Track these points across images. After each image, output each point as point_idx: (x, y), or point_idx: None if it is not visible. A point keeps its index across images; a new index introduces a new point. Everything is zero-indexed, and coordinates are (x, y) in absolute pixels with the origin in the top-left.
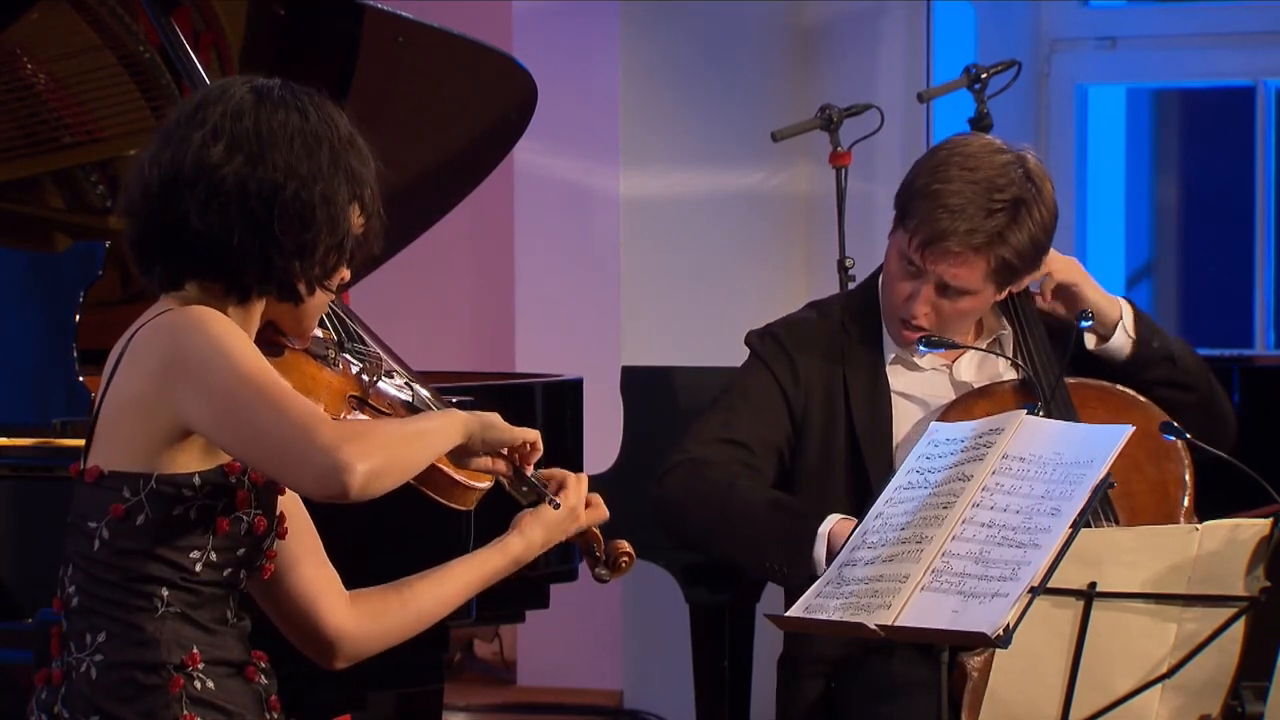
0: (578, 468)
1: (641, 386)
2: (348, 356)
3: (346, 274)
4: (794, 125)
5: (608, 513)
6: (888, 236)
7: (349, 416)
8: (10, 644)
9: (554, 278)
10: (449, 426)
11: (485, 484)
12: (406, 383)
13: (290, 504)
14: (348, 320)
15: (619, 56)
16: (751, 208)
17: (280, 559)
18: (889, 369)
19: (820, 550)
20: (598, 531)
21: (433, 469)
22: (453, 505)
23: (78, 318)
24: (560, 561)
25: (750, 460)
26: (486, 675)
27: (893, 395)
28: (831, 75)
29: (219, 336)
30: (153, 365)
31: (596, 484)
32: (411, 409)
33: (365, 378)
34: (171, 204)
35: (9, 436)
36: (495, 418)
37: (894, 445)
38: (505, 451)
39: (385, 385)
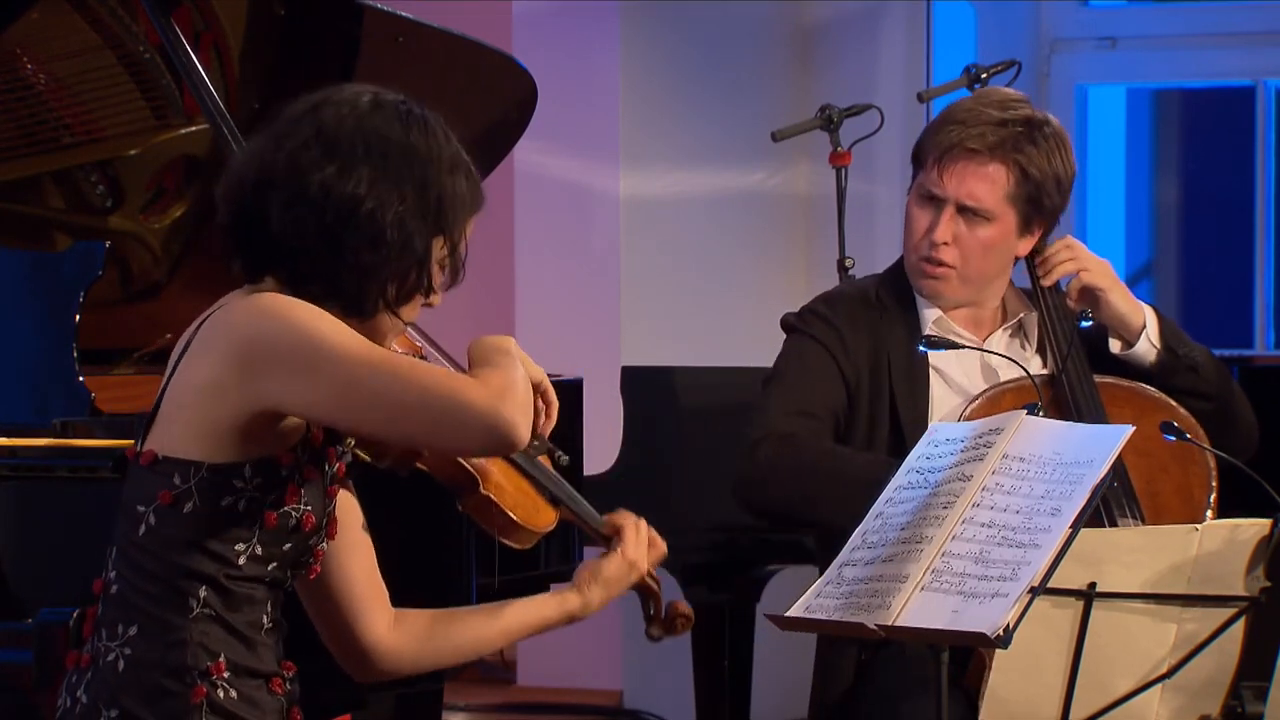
0: (578, 468)
1: (641, 386)
2: None
3: (436, 300)
4: (794, 125)
5: (666, 548)
6: (907, 193)
7: None
8: (10, 644)
9: (554, 278)
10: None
11: (545, 527)
12: None
13: (348, 512)
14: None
15: (619, 56)
16: (751, 208)
17: (332, 562)
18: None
19: None
20: (656, 587)
21: (493, 508)
22: (509, 543)
23: (78, 318)
24: (561, 561)
25: (823, 431)
26: (486, 675)
27: (930, 370)
28: (831, 75)
29: (304, 319)
30: (227, 350)
31: (596, 484)
32: None
33: None
34: (261, 196)
35: (9, 436)
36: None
37: (929, 419)
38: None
39: None
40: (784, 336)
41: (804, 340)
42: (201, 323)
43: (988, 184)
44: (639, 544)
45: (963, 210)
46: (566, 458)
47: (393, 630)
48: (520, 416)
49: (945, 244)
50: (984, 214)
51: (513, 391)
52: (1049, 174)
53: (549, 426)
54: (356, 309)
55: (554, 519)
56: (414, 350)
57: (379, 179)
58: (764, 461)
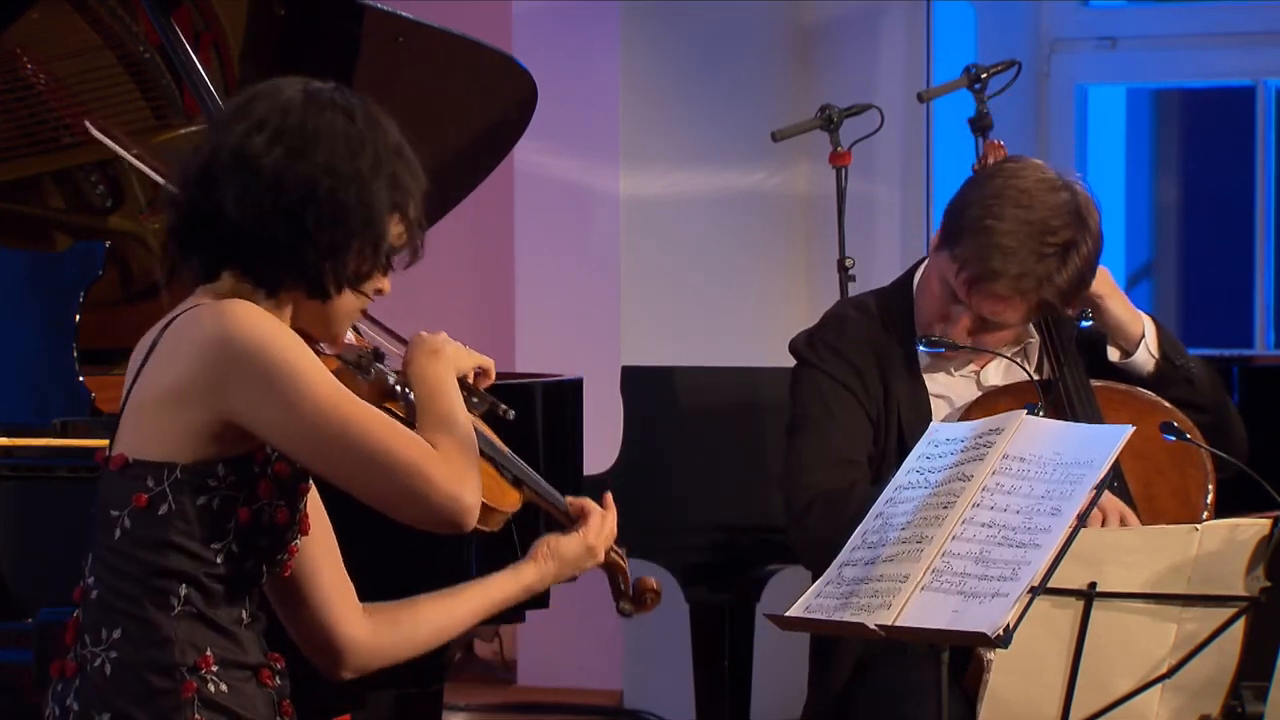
0: (577, 468)
1: (641, 386)
2: (382, 367)
3: (386, 286)
4: (794, 125)
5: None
6: (931, 251)
7: None
8: (10, 644)
9: (554, 278)
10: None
11: (510, 508)
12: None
13: (314, 510)
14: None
15: (619, 56)
16: (751, 208)
17: (300, 563)
18: (924, 371)
19: None
20: (623, 564)
21: None
22: (478, 525)
23: (78, 318)
24: None
25: (865, 476)
26: (486, 675)
27: (931, 398)
28: (831, 75)
29: (283, 346)
30: (193, 355)
31: (597, 484)
32: None
33: (400, 387)
34: (209, 191)
35: (9, 436)
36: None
37: None
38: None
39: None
40: (787, 343)
41: (821, 378)
42: (166, 325)
43: (1011, 311)
44: (600, 532)
45: (981, 321)
46: (512, 412)
47: (364, 624)
48: (475, 500)
49: (960, 336)
50: (1002, 326)
51: (472, 473)
52: (1072, 286)
53: (485, 383)
54: (320, 290)
55: (518, 499)
56: (365, 346)
57: (331, 160)
58: (817, 526)
